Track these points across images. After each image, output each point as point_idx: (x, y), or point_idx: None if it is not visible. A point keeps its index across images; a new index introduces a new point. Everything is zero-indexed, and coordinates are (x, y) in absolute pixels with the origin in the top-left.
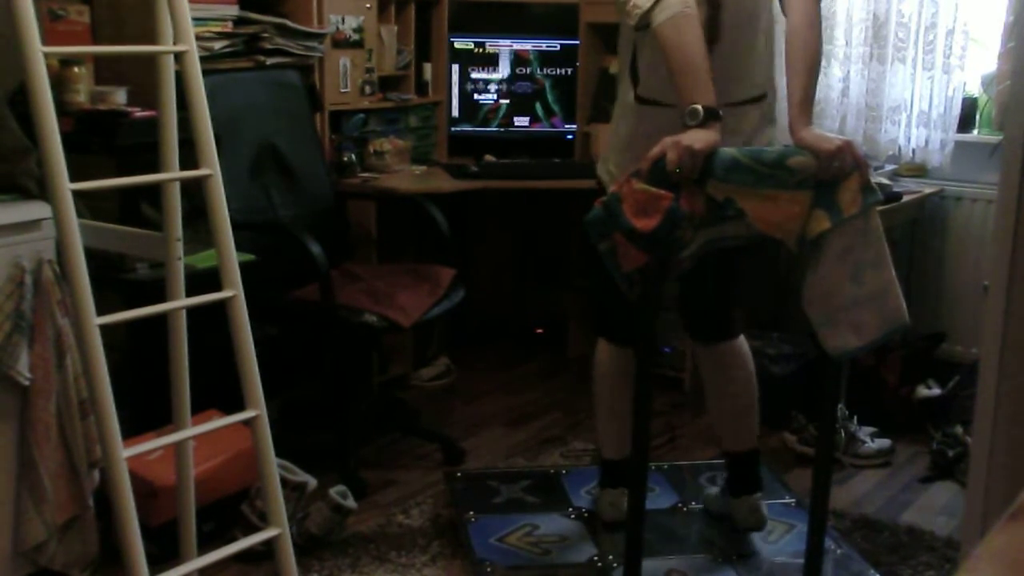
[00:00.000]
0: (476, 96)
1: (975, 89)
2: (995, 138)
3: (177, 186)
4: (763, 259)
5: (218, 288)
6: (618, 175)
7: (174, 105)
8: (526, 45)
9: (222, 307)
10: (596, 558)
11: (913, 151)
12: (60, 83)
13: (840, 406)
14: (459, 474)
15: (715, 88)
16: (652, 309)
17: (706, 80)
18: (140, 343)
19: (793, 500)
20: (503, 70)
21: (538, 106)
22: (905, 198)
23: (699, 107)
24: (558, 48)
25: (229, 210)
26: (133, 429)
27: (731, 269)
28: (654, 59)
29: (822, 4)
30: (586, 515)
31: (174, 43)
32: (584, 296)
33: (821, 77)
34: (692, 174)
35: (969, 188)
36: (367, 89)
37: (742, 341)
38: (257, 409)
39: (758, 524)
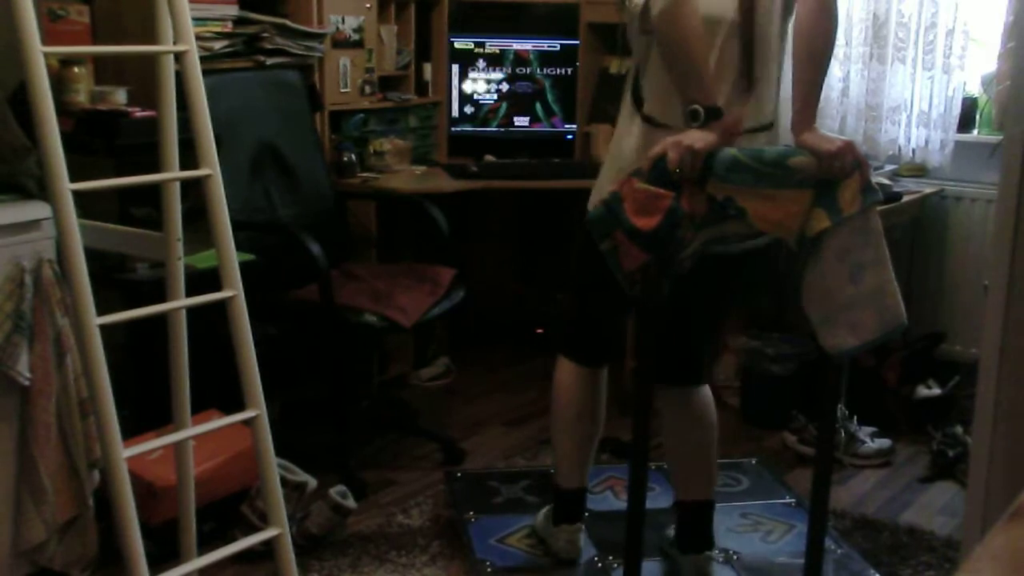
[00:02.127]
0: (476, 96)
1: (975, 89)
2: (995, 138)
3: (177, 186)
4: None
5: (218, 288)
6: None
7: (174, 105)
8: (526, 45)
9: (222, 307)
10: (596, 558)
11: (913, 151)
12: (60, 83)
13: (840, 406)
14: (459, 474)
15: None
16: (653, 309)
17: (708, 78)
18: (140, 343)
19: (793, 500)
20: (503, 70)
21: (538, 106)
22: (905, 198)
23: (699, 107)
24: (558, 48)
25: (229, 210)
26: (133, 429)
27: (713, 313)
28: (661, 77)
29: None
30: (586, 515)
31: (174, 43)
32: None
33: None
34: (693, 174)
35: (969, 188)
36: (367, 89)
37: (707, 389)
38: (257, 409)
39: None
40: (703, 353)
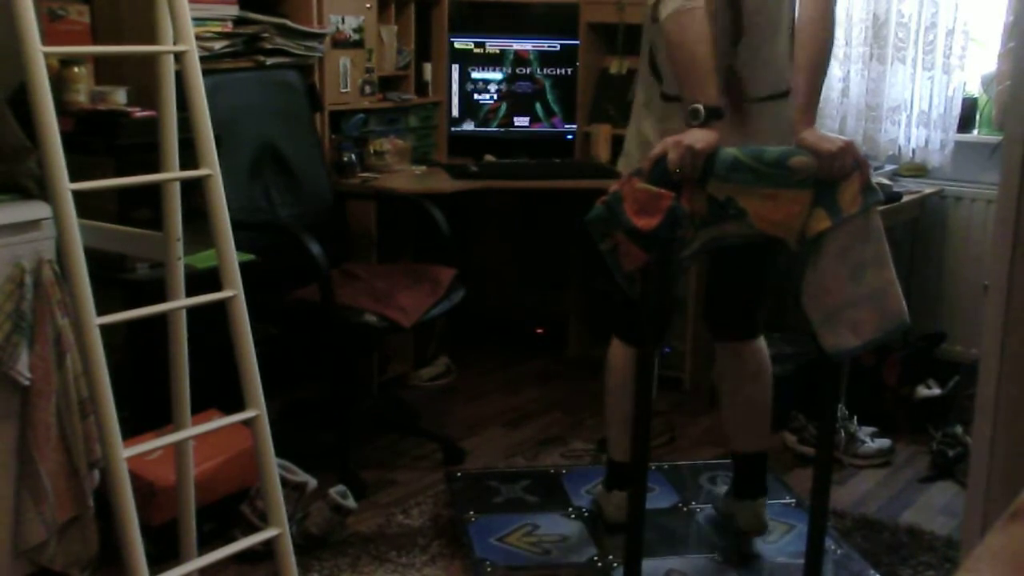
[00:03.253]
0: (476, 96)
1: (975, 89)
2: (995, 138)
3: (177, 186)
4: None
5: (218, 288)
6: None
7: (174, 105)
8: (526, 45)
9: (222, 307)
10: (596, 558)
11: (913, 151)
12: (60, 83)
13: (840, 406)
14: (459, 474)
15: (742, 83)
16: (654, 308)
17: (710, 78)
18: (140, 343)
19: (793, 500)
20: (503, 70)
21: (538, 106)
22: (905, 198)
23: (700, 107)
24: (558, 48)
25: (229, 210)
26: (133, 429)
27: (761, 268)
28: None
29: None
30: (586, 515)
31: (174, 43)
32: (587, 296)
33: None
34: (693, 174)
35: (969, 188)
36: (367, 89)
37: (762, 342)
38: (257, 409)
39: (760, 529)
40: (757, 305)
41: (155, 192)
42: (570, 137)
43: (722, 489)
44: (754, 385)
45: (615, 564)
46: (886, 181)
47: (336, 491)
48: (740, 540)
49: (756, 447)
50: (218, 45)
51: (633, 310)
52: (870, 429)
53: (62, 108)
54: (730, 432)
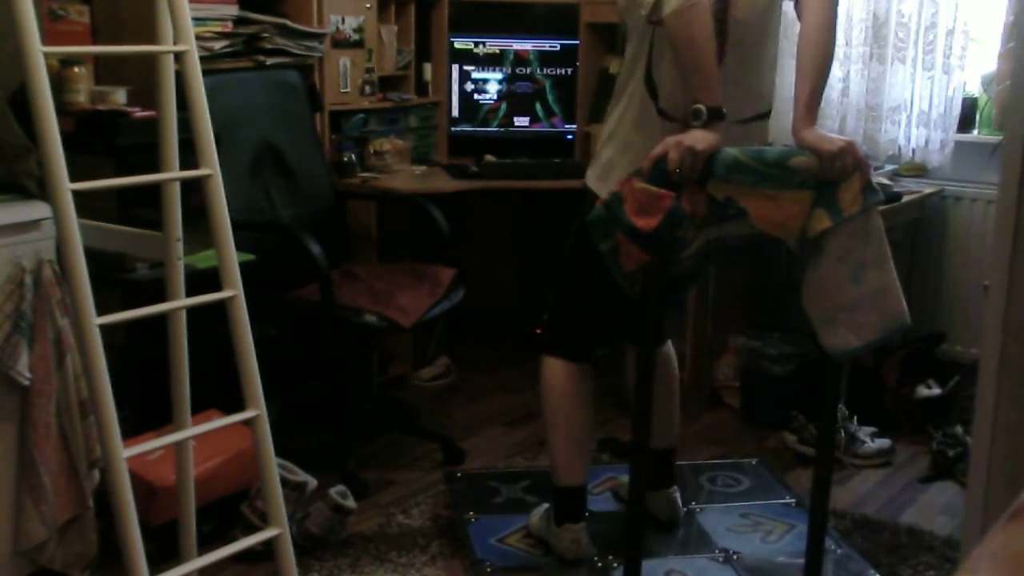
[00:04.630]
0: (476, 96)
1: (975, 89)
2: (995, 138)
3: (177, 186)
4: (763, 259)
5: (218, 288)
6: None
7: (174, 105)
8: (526, 45)
9: (222, 307)
10: (596, 558)
11: (913, 151)
12: (60, 83)
13: (840, 406)
14: (459, 474)
15: (727, 106)
16: (654, 308)
17: (714, 79)
18: (140, 343)
19: (793, 500)
20: (503, 70)
21: (538, 106)
22: (905, 198)
23: (703, 107)
24: (558, 48)
25: (229, 210)
26: (133, 429)
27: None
28: (676, 72)
29: (838, 8)
30: (586, 515)
31: (174, 43)
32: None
33: None
34: (693, 174)
35: (969, 188)
36: (367, 89)
37: (669, 346)
38: (257, 409)
39: (675, 516)
40: (664, 315)
41: (155, 192)
42: (570, 137)
43: (721, 489)
44: (664, 386)
45: (615, 564)
46: (886, 181)
47: (336, 491)
48: (740, 539)
49: (669, 443)
50: (218, 45)
51: (579, 323)
52: (870, 429)
53: (62, 108)
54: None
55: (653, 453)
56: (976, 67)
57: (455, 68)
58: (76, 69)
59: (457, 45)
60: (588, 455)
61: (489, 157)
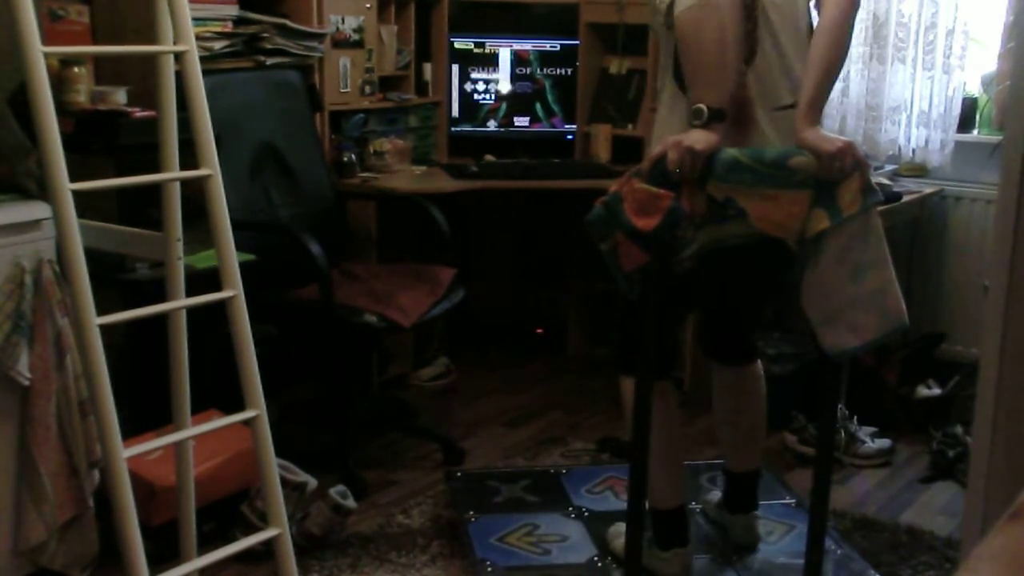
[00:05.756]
0: (476, 96)
1: (975, 89)
2: (995, 138)
3: (177, 186)
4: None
5: (218, 288)
6: None
7: (174, 105)
8: (526, 45)
9: (222, 307)
10: (596, 558)
11: (913, 151)
12: (60, 83)
13: (840, 406)
14: (459, 474)
15: (766, 92)
16: (654, 307)
17: (717, 80)
18: (140, 343)
19: (793, 500)
20: (503, 70)
21: (538, 106)
22: (905, 198)
23: (704, 107)
24: (558, 48)
25: (229, 210)
26: (133, 429)
27: (758, 291)
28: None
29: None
30: (586, 515)
31: (174, 43)
32: (587, 296)
33: None
34: (692, 174)
35: (969, 188)
36: (367, 89)
37: (759, 365)
38: (257, 409)
39: (752, 542)
40: (752, 331)
41: (155, 192)
42: (570, 137)
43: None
44: (751, 408)
45: (615, 564)
46: (886, 181)
47: (336, 491)
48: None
49: (750, 467)
50: (218, 45)
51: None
52: (870, 429)
53: (62, 108)
54: (724, 451)
55: (735, 476)
56: (976, 67)
57: (455, 68)
58: (76, 69)
59: (457, 45)
60: (683, 474)
61: (489, 157)
